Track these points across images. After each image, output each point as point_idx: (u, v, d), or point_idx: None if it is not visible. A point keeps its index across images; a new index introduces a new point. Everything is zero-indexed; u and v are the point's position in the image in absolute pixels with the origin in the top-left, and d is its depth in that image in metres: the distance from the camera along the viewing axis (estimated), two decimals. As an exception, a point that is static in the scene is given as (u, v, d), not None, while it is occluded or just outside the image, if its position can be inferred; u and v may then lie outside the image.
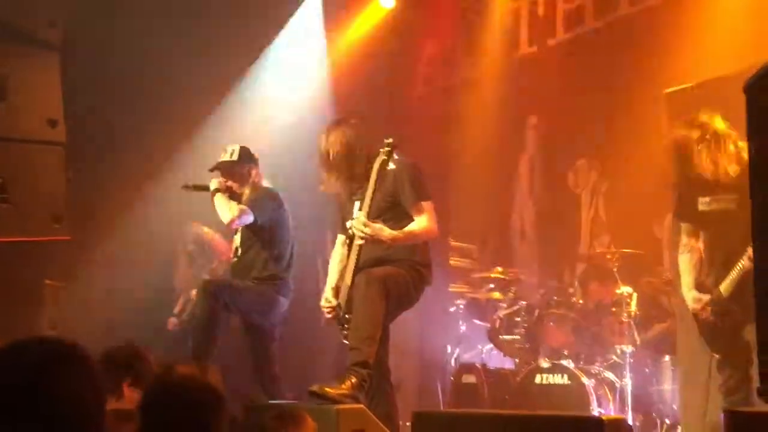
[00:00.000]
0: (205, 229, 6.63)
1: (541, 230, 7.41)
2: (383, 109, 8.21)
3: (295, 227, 5.61)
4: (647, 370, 5.74)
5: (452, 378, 6.50)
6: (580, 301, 6.10)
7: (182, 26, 7.12)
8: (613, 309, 5.84)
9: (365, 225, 4.20)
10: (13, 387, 1.59)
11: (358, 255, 4.31)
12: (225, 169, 5.45)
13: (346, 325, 4.37)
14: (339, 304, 4.45)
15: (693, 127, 4.40)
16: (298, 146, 7.71)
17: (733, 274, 4.27)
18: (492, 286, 6.66)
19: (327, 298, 4.54)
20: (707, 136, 4.33)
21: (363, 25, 8.26)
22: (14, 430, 1.56)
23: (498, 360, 6.68)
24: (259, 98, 7.73)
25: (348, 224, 4.49)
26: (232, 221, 5.27)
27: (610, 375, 5.69)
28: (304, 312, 8.29)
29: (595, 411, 5.37)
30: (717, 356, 4.55)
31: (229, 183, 5.40)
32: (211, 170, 5.48)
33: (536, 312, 6.11)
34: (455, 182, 7.71)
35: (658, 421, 5.58)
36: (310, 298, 8.37)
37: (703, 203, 4.46)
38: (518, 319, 6.21)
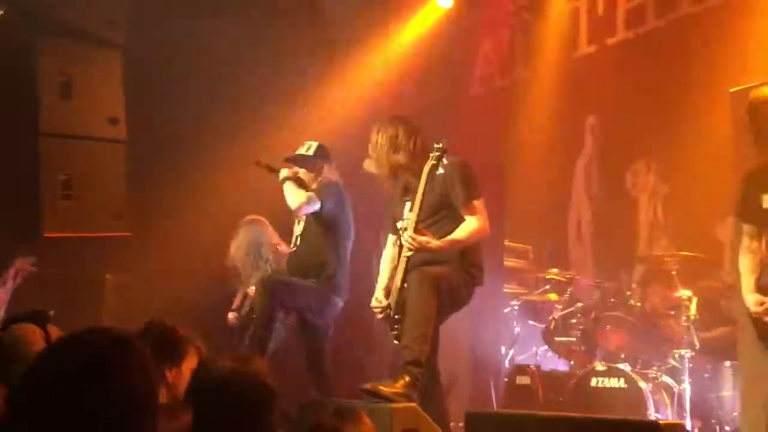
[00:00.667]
0: (262, 220, 6.68)
1: (598, 232, 7.33)
2: (440, 108, 8.20)
3: (354, 225, 5.66)
4: (706, 375, 5.63)
5: (506, 379, 6.46)
6: (638, 304, 6.01)
7: (246, 24, 7.20)
8: (672, 312, 5.75)
9: (413, 238, 4.23)
10: (71, 376, 1.61)
11: (408, 258, 4.33)
12: (298, 161, 5.55)
13: (396, 326, 4.39)
14: (389, 305, 4.46)
15: None
16: (354, 145, 7.74)
17: None
18: (548, 287, 6.61)
19: (377, 298, 4.58)
20: None
21: (420, 24, 8.26)
22: (71, 420, 1.59)
23: (552, 362, 6.62)
24: (322, 98, 7.79)
25: (399, 224, 4.53)
26: (300, 207, 5.35)
27: (668, 379, 5.60)
28: (359, 310, 8.33)
29: (652, 416, 5.29)
30: None
31: (300, 174, 5.47)
32: (286, 161, 5.57)
33: (592, 314, 6.05)
34: (512, 182, 7.67)
35: (717, 428, 5.47)
36: (365, 297, 8.43)
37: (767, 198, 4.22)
38: (574, 320, 6.15)
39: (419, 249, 4.24)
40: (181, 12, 6.97)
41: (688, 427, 5.27)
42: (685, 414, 5.41)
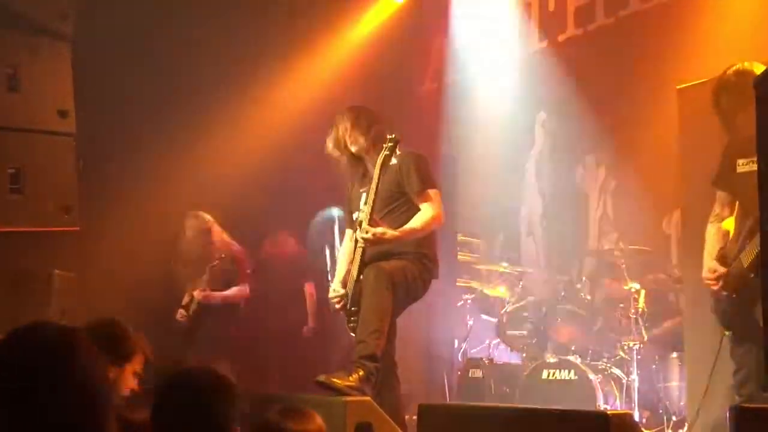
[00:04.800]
0: (207, 217, 6.60)
1: (549, 226, 7.41)
2: (392, 103, 8.21)
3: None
4: (654, 366, 5.73)
5: (459, 372, 6.51)
6: (588, 297, 6.10)
7: (199, 17, 7.14)
8: (621, 305, 5.84)
9: (366, 231, 4.27)
10: (18, 372, 1.60)
11: (364, 250, 4.38)
12: None
13: (352, 318, 4.44)
14: (346, 293, 4.50)
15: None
16: (309, 140, 7.72)
17: (756, 241, 3.81)
18: (499, 281, 6.67)
19: (335, 289, 4.61)
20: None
21: (374, 19, 8.26)
22: (21, 415, 1.57)
23: (505, 355, 6.69)
24: (275, 93, 7.75)
25: (354, 216, 4.57)
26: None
27: (617, 371, 5.69)
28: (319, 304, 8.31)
29: (602, 407, 5.37)
30: (728, 334, 4.17)
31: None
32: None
33: (543, 307, 6.12)
34: (463, 177, 7.71)
35: (665, 418, 5.58)
36: (319, 294, 8.41)
37: (742, 164, 4.06)
38: (525, 314, 6.23)
39: (375, 241, 4.29)
40: (132, 3, 6.89)
41: (637, 417, 5.36)
42: (633, 404, 5.50)
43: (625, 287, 5.73)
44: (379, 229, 4.29)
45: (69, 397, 1.60)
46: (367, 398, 3.97)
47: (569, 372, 5.59)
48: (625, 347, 5.70)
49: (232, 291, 6.53)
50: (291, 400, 3.93)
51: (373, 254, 4.40)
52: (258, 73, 7.72)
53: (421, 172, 4.49)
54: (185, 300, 6.60)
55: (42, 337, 1.66)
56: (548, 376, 5.66)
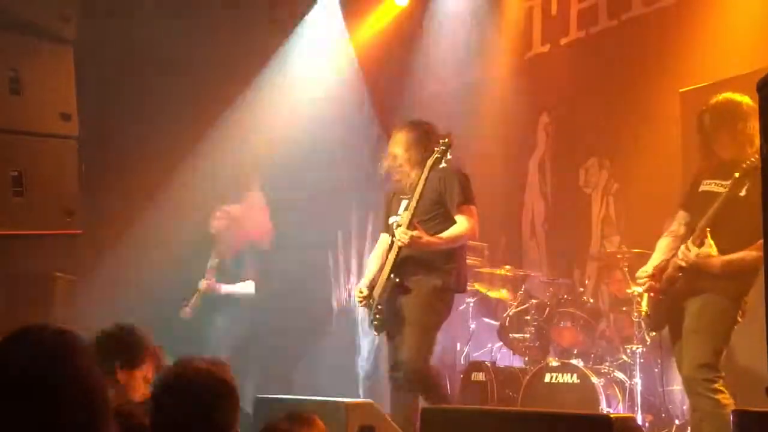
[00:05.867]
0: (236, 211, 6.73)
1: (551, 229, 7.40)
2: (395, 107, 8.22)
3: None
4: (657, 370, 5.72)
5: (461, 375, 6.50)
6: (591, 301, 6.09)
7: (200, 17, 7.15)
8: (624, 308, 5.83)
9: (404, 233, 4.47)
10: (19, 373, 1.61)
11: (400, 250, 4.59)
12: None
13: (377, 315, 4.72)
14: (371, 295, 4.77)
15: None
16: (307, 145, 7.74)
17: (687, 244, 4.12)
18: (502, 284, 6.66)
19: (360, 289, 4.85)
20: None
21: (377, 22, 8.27)
22: (22, 417, 1.58)
23: (507, 358, 6.68)
24: (271, 96, 7.76)
25: (391, 220, 4.78)
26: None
27: (619, 374, 5.68)
28: (314, 310, 8.32)
29: (605, 410, 5.36)
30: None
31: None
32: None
33: (546, 311, 6.11)
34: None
35: (668, 422, 5.56)
36: (321, 295, 8.41)
37: (705, 184, 4.25)
38: (528, 317, 6.21)
39: (411, 243, 4.46)
40: (134, 7, 6.90)
41: (639, 420, 5.35)
42: (636, 408, 5.49)
43: (628, 290, 5.72)
44: (416, 232, 4.48)
45: (66, 399, 1.60)
46: (369, 401, 3.98)
47: (572, 375, 5.58)
48: (628, 351, 5.69)
49: (238, 286, 6.62)
50: (294, 403, 3.93)
51: (405, 258, 4.61)
52: (260, 75, 7.74)
53: (463, 186, 4.71)
54: (193, 299, 6.65)
55: (39, 340, 1.66)
56: (551, 379, 5.65)
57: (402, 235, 4.48)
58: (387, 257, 4.70)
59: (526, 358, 6.26)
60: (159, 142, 7.05)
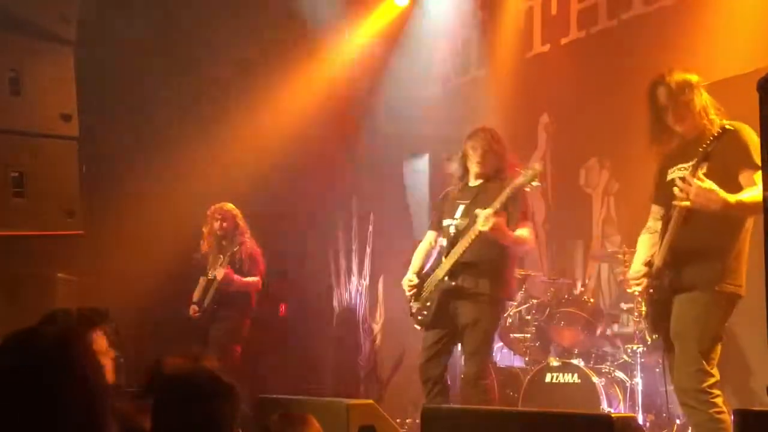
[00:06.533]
0: (233, 208, 6.73)
1: (551, 229, 7.40)
2: (397, 107, 8.23)
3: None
4: (658, 369, 5.71)
5: (462, 375, 6.49)
6: (591, 300, 6.09)
7: (197, 18, 7.16)
8: (625, 308, 5.83)
9: (489, 216, 4.65)
10: (21, 373, 1.61)
11: (465, 250, 4.80)
12: None
13: (424, 312, 4.98)
14: (421, 285, 5.02)
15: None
16: (306, 141, 7.73)
17: (667, 239, 3.99)
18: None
19: (410, 279, 5.09)
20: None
21: (377, 22, 8.28)
22: (24, 417, 1.58)
23: (508, 358, 6.68)
24: (272, 97, 7.77)
25: (446, 223, 4.99)
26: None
27: (620, 374, 5.68)
28: (319, 310, 8.33)
29: (605, 410, 5.36)
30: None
31: None
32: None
33: (547, 310, 6.11)
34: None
35: (669, 421, 5.56)
36: (320, 296, 8.42)
37: (671, 173, 4.16)
38: (529, 317, 6.22)
39: (493, 227, 4.66)
40: (135, 6, 6.91)
41: (640, 420, 5.35)
42: (637, 408, 5.49)
43: (629, 290, 5.71)
44: (500, 220, 4.70)
45: (68, 399, 1.60)
46: (370, 401, 3.98)
47: (572, 375, 5.58)
48: (629, 350, 5.69)
49: (250, 279, 6.63)
50: (293, 403, 3.93)
51: (473, 256, 4.80)
52: (260, 76, 7.75)
53: (527, 204, 5.00)
54: (196, 295, 6.64)
55: (41, 340, 1.67)
56: (551, 379, 5.65)
57: (485, 220, 4.65)
58: (448, 255, 4.89)
59: (527, 358, 6.27)
60: (159, 142, 7.06)
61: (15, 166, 4.95)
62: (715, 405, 3.81)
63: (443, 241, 5.02)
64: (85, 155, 5.36)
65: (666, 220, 4.06)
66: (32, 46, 5.08)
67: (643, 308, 5.59)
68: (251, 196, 7.21)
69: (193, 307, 6.61)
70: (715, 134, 3.83)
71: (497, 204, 4.72)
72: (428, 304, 4.96)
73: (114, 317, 3.60)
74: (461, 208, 4.95)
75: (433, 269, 5.04)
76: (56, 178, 5.08)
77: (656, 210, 4.36)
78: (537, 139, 7.57)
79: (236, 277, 6.52)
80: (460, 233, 4.88)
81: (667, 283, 4.02)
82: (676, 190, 3.88)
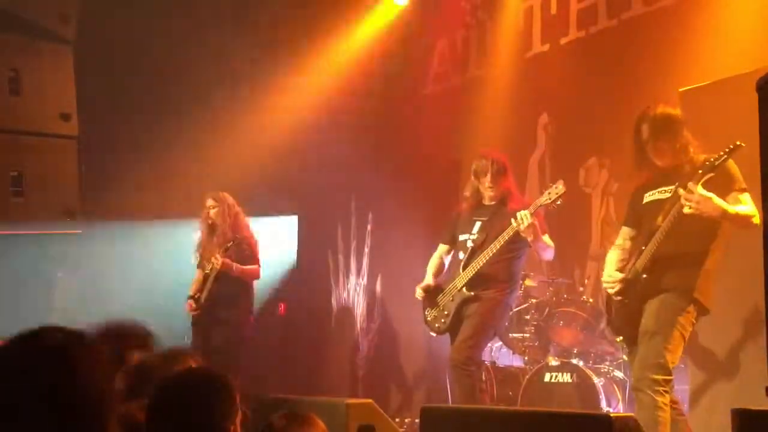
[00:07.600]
0: (230, 198, 6.69)
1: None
2: (394, 106, 8.22)
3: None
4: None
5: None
6: (591, 300, 6.09)
7: (196, 18, 7.16)
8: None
9: (526, 215, 5.07)
10: (26, 375, 1.61)
11: (479, 268, 5.26)
12: None
13: (443, 320, 5.44)
14: (435, 294, 5.47)
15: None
16: (307, 141, 7.73)
17: (650, 247, 4.25)
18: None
19: (424, 287, 5.53)
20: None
21: (376, 22, 8.28)
22: (28, 419, 1.58)
23: (507, 358, 6.67)
24: (272, 97, 7.77)
25: (462, 237, 5.45)
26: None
27: (619, 374, 5.68)
28: (318, 309, 8.33)
29: (604, 410, 5.36)
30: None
31: None
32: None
33: (546, 310, 6.11)
34: (465, 180, 7.71)
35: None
36: (323, 297, 8.42)
37: (648, 196, 4.45)
38: (528, 316, 6.21)
39: (529, 227, 5.09)
40: (133, 6, 6.90)
41: (639, 420, 5.34)
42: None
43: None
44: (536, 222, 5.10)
45: (73, 401, 1.60)
46: (369, 400, 3.98)
47: (571, 375, 5.58)
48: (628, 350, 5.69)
49: (249, 267, 6.61)
50: (293, 403, 3.93)
51: (476, 279, 5.26)
52: (260, 76, 7.75)
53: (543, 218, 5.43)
54: (193, 290, 6.60)
55: (47, 341, 1.66)
56: (550, 379, 5.65)
57: (525, 218, 5.06)
58: (465, 268, 5.31)
59: (526, 358, 6.26)
60: (159, 141, 7.06)
61: (14, 165, 4.97)
62: (663, 396, 4.09)
63: (459, 254, 5.43)
64: (85, 155, 5.37)
65: (647, 234, 4.32)
66: (32, 46, 5.10)
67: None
68: (251, 196, 7.21)
69: (190, 303, 6.55)
70: (727, 150, 4.06)
71: (532, 208, 5.13)
72: (446, 312, 5.41)
73: (111, 315, 3.58)
74: (478, 224, 5.41)
75: (445, 280, 5.47)
76: (55, 177, 5.10)
77: (626, 231, 4.63)
78: (536, 138, 7.57)
79: (235, 265, 6.49)
80: (477, 247, 5.32)
81: (639, 289, 4.29)
82: (682, 199, 4.11)
